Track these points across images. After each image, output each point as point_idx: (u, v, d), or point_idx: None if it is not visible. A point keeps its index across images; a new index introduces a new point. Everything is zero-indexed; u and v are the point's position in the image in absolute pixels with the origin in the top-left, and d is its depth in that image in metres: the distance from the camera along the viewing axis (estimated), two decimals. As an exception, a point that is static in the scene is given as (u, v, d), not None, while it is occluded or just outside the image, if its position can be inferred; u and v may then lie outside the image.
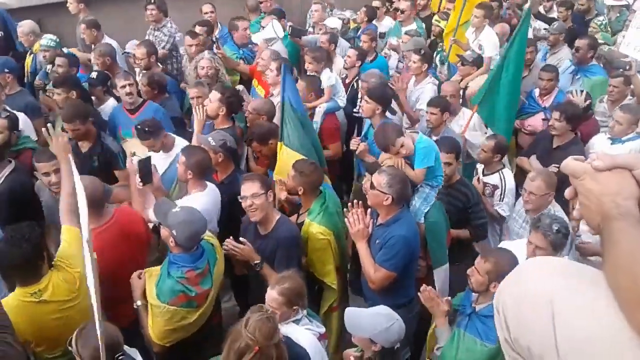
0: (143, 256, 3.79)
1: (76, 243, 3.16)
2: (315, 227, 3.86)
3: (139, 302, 3.33)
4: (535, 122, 5.82)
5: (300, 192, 3.98)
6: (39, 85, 5.91)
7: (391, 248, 3.53)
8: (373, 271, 3.58)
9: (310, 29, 8.00)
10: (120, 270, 3.39)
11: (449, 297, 3.36)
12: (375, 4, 7.94)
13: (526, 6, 8.85)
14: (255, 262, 3.64)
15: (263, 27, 7.02)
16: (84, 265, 2.57)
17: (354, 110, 6.01)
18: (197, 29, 6.54)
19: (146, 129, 4.51)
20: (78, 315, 2.95)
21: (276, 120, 4.99)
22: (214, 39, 6.68)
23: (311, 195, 3.99)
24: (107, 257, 3.21)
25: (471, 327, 3.08)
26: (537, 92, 5.91)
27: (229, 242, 3.66)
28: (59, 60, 5.79)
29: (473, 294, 3.21)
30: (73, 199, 3.28)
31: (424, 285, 3.37)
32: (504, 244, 3.83)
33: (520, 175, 5.45)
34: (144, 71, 5.90)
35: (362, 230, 3.66)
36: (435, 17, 7.53)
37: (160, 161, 4.51)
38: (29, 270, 2.94)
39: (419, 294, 3.33)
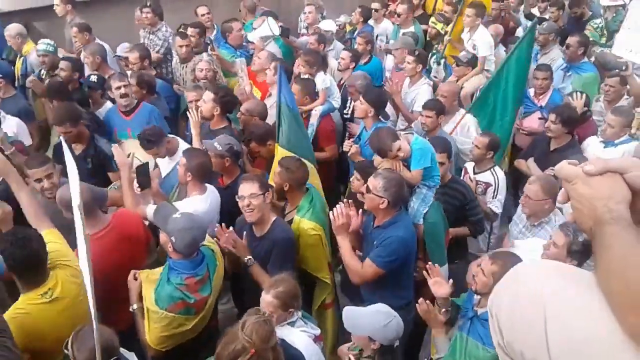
0: (142, 257, 3.76)
1: (63, 241, 3.15)
2: (306, 223, 3.86)
3: (134, 306, 3.31)
4: (532, 122, 5.82)
5: (285, 189, 3.97)
6: (34, 82, 5.85)
7: (387, 246, 3.52)
8: (360, 266, 3.58)
9: (304, 31, 7.98)
10: (120, 273, 3.37)
11: (448, 306, 3.26)
12: (374, 5, 7.91)
13: (521, 8, 8.90)
14: (247, 257, 3.64)
15: (255, 29, 6.99)
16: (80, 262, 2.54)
17: (344, 111, 6.00)
18: (189, 30, 6.50)
19: (148, 138, 4.46)
20: (84, 313, 2.88)
21: (269, 120, 5.00)
22: (208, 40, 6.66)
23: (297, 192, 3.99)
24: (106, 263, 3.20)
25: (473, 331, 3.04)
26: (532, 91, 5.91)
27: (230, 232, 3.65)
28: (62, 64, 5.73)
29: (475, 296, 3.17)
30: (35, 204, 3.27)
31: (421, 299, 3.27)
32: (518, 244, 3.76)
33: (514, 175, 5.49)
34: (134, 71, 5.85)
35: (345, 224, 3.64)
36: (432, 19, 7.51)
37: (164, 164, 4.49)
38: (37, 269, 2.91)
39: (417, 305, 3.27)
